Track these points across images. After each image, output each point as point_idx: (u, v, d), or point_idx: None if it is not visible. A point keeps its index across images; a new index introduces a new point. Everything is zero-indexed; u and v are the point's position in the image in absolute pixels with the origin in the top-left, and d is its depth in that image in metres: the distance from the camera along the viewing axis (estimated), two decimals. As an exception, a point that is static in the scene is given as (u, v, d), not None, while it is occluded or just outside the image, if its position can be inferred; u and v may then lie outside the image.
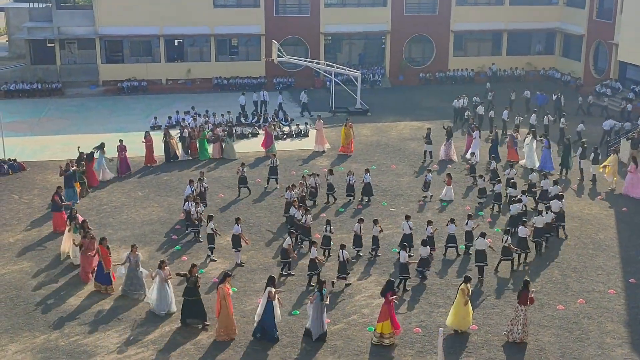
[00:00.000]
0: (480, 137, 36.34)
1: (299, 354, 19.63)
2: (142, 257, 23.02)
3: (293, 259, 24.03)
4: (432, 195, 30.97)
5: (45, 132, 42.04)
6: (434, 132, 37.56)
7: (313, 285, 22.74)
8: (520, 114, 40.92)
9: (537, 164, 34.77)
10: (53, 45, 53.60)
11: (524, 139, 36.32)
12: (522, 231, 24.58)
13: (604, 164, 32.84)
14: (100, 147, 33.44)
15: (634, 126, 38.89)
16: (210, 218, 25.18)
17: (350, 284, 23.32)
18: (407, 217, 25.60)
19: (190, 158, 36.61)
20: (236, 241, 24.60)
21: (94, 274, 23.17)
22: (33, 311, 21.77)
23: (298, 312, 21.46)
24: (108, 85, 53.55)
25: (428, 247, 23.69)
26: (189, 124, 40.80)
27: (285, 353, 19.62)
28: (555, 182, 29.35)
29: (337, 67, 48.30)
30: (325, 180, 30.39)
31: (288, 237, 23.88)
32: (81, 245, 23.55)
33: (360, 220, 25.39)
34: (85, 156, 32.50)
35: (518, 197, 28.02)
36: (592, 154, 33.51)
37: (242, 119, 43.67)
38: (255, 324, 20.30)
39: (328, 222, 25.22)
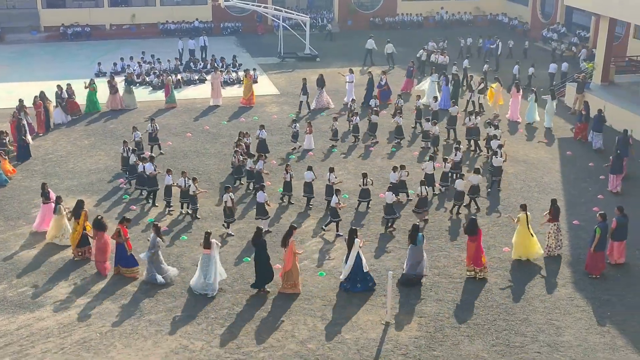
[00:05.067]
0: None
1: (248, 299, 19.72)
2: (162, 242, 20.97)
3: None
4: (300, 145, 30.60)
5: (-15, 80, 40.86)
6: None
7: (393, 229, 23.53)
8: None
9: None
10: (-10, -11, 51.76)
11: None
12: (459, 184, 24.84)
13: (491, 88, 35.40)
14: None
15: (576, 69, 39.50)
16: (227, 189, 23.50)
17: (427, 219, 24.21)
18: (445, 160, 26.80)
19: (70, 118, 33.97)
20: (261, 209, 23.47)
21: (114, 260, 21.04)
22: (-21, 263, 21.45)
23: (248, 260, 21.44)
24: (50, 31, 52.06)
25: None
26: (134, 70, 40.03)
27: (236, 299, 19.68)
28: (495, 137, 28.92)
29: (286, 12, 47.67)
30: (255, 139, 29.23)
31: (335, 196, 23.16)
32: (93, 235, 21.38)
33: (402, 167, 25.58)
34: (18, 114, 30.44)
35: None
36: (480, 84, 36.02)
37: (192, 65, 42.84)
38: (343, 277, 20.14)
39: (365, 175, 24.95)
